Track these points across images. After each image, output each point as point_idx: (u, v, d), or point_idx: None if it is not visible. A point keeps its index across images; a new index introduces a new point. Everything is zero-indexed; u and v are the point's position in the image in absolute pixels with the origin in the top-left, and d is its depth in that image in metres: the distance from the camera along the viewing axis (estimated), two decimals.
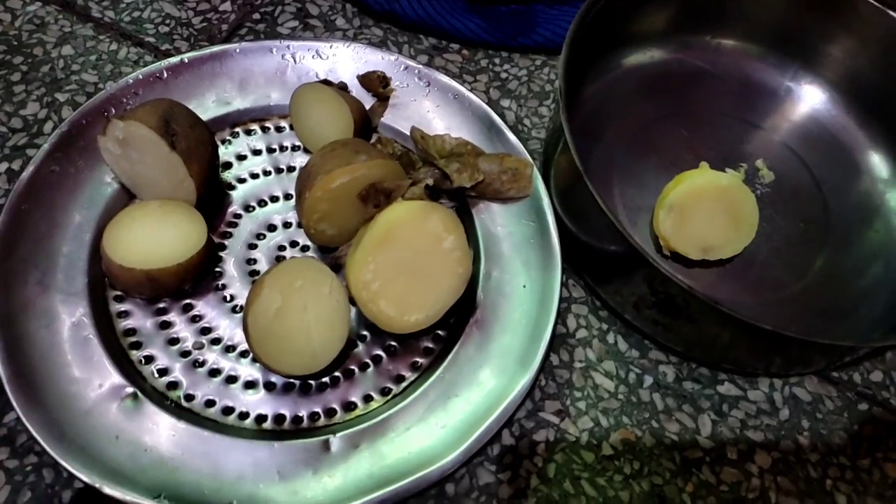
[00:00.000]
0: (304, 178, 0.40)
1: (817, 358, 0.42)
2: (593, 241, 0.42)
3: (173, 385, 0.38)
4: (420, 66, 0.48)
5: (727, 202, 0.44)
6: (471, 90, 0.51)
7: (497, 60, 0.52)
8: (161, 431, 0.36)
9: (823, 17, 0.48)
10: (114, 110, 0.44)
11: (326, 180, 0.39)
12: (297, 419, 0.38)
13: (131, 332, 0.40)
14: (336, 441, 0.37)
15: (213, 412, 0.38)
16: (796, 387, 0.43)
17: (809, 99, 0.51)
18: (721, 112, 0.50)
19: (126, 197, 0.43)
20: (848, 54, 0.49)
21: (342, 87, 0.47)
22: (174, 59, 0.46)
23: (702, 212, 0.44)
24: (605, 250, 0.41)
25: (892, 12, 0.45)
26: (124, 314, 0.40)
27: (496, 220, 0.44)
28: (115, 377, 0.37)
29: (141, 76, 0.45)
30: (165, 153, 0.39)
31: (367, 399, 0.39)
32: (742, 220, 0.44)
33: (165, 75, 0.46)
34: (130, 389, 0.37)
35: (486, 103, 0.50)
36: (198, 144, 0.41)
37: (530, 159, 0.45)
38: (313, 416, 0.39)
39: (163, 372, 0.39)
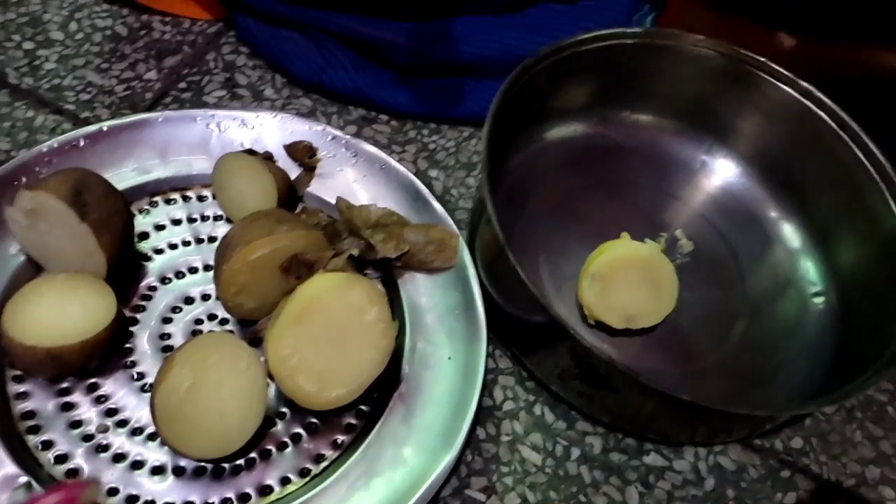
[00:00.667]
0: (223, 249, 0.39)
1: (738, 426, 0.43)
2: (517, 311, 0.42)
3: (73, 472, 0.36)
4: (347, 137, 0.48)
5: (647, 272, 0.45)
6: (399, 160, 0.51)
7: (425, 132, 0.53)
8: None
9: (733, 94, 0.50)
10: (25, 179, 0.43)
11: (246, 251, 0.38)
12: None
13: (29, 415, 0.37)
14: None
15: (114, 502, 0.35)
16: (721, 455, 0.43)
17: (723, 172, 0.53)
18: (641, 184, 0.52)
19: (33, 270, 0.41)
20: (757, 129, 0.51)
21: (267, 157, 0.47)
22: (93, 127, 0.45)
23: (623, 281, 0.45)
24: (529, 321, 0.41)
25: (792, 91, 0.48)
26: (23, 396, 0.38)
27: (421, 290, 0.44)
28: (7, 466, 0.34)
29: (56, 144, 0.44)
30: (75, 224, 0.38)
31: (285, 482, 0.38)
32: (662, 289, 0.45)
33: (82, 143, 0.45)
34: (24, 479, 0.34)
35: (414, 173, 0.51)
36: (110, 215, 0.39)
37: (456, 230, 0.45)
38: (225, 503, 0.36)
39: (62, 458, 0.36)
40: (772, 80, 0.48)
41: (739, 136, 0.52)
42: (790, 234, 0.51)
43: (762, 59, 0.48)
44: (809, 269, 0.50)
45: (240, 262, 0.38)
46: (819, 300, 0.49)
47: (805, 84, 0.48)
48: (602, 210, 0.51)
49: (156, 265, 0.43)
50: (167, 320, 0.42)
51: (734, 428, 0.43)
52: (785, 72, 0.48)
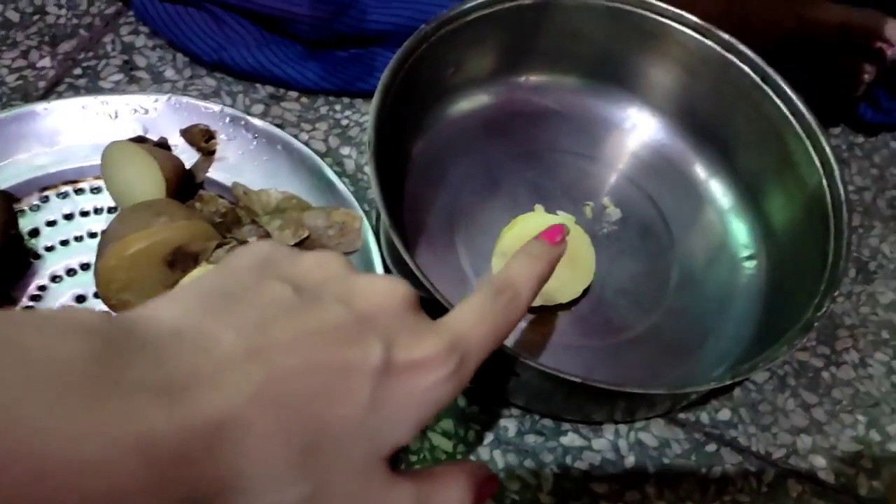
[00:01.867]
0: (100, 246, 0.38)
1: (660, 400, 0.41)
2: (421, 295, 0.40)
3: None
4: (246, 117, 0.46)
5: None
6: (309, 139, 0.49)
7: (338, 107, 0.51)
8: None
9: (650, 50, 0.47)
10: None
11: (119, 247, 0.36)
12: None
13: None
14: None
15: None
16: (642, 431, 0.42)
17: (649, 132, 0.50)
18: (564, 150, 0.50)
19: None
20: (680, 86, 0.48)
21: (162, 144, 0.45)
22: None
23: None
24: (430, 303, 0.39)
25: (713, 44, 0.45)
26: None
27: None
28: None
29: None
30: None
31: None
32: (578, 261, 0.43)
33: None
34: None
35: (325, 152, 0.49)
36: None
37: (361, 212, 0.43)
38: None
39: None
40: (690, 31, 0.45)
41: (662, 93, 0.49)
42: (720, 194, 0.49)
43: (677, 11, 0.45)
44: (741, 231, 0.48)
45: (115, 258, 0.36)
46: (750, 264, 0.47)
47: (726, 36, 0.45)
48: (524, 180, 0.49)
49: (46, 263, 0.42)
50: None
51: (656, 402, 0.41)
52: (702, 23, 0.45)
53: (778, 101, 0.44)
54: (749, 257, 0.47)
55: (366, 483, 0.20)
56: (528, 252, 0.27)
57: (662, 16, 0.45)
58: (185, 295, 0.20)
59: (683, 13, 0.45)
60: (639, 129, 0.51)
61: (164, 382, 0.16)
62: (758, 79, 0.45)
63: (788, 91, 0.44)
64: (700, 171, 0.50)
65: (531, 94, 0.50)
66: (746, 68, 0.45)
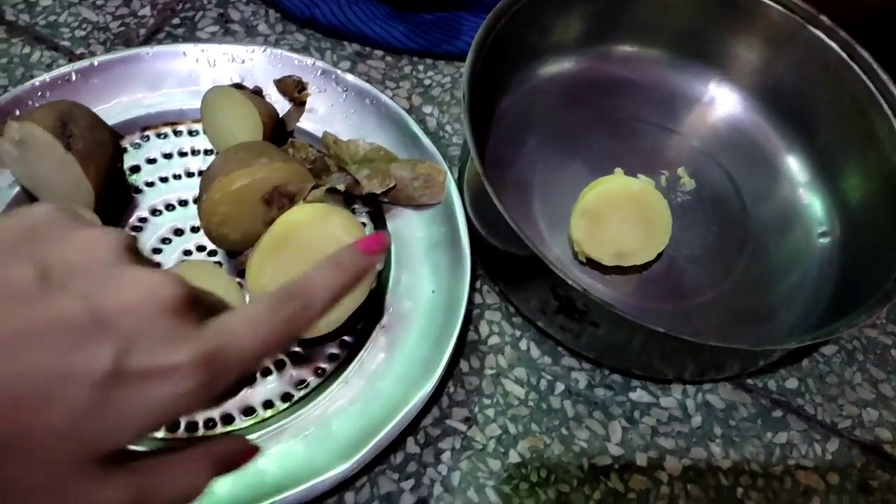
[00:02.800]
0: (205, 181, 0.40)
1: (730, 363, 0.42)
2: (501, 245, 0.41)
3: None
4: (337, 71, 0.47)
5: (640, 208, 0.44)
6: (393, 97, 0.51)
7: (421, 67, 0.52)
8: None
9: (737, 24, 0.48)
10: (18, 112, 0.43)
11: (225, 182, 0.38)
12: (191, 426, 0.37)
13: None
14: None
15: None
16: (710, 394, 0.43)
17: (728, 106, 0.51)
18: (643, 120, 0.50)
19: (28, 200, 0.42)
20: (764, 61, 0.49)
21: (256, 92, 0.47)
22: (83, 62, 0.45)
23: (614, 217, 0.44)
24: (512, 255, 0.40)
25: (800, 19, 0.46)
26: None
27: (408, 225, 0.44)
28: None
29: (48, 79, 0.44)
30: (61, 154, 0.38)
31: (268, 405, 0.38)
32: (655, 225, 0.44)
33: (74, 78, 0.45)
34: None
35: (408, 110, 0.50)
36: (97, 146, 0.40)
37: (445, 166, 0.44)
38: (209, 423, 0.37)
39: None
40: (777, 6, 0.46)
41: (745, 68, 0.50)
42: (797, 169, 0.49)
43: None
44: (815, 206, 0.48)
45: (219, 192, 0.38)
46: (824, 240, 0.47)
47: (814, 11, 0.45)
48: (602, 147, 0.50)
49: (147, 198, 0.44)
50: (157, 251, 0.42)
51: (726, 364, 0.42)
52: None
53: (864, 78, 0.44)
54: (823, 233, 0.47)
55: (71, 483, 0.19)
56: (337, 261, 0.24)
57: None
58: None
59: None
60: (718, 103, 0.51)
61: None
62: (844, 55, 0.45)
63: (875, 67, 0.44)
64: (777, 146, 0.50)
65: (615, 64, 0.51)
66: (833, 44, 0.45)
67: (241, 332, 0.21)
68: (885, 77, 0.44)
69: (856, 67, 0.45)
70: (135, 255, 0.21)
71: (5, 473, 0.18)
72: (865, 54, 0.44)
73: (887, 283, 0.38)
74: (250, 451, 0.24)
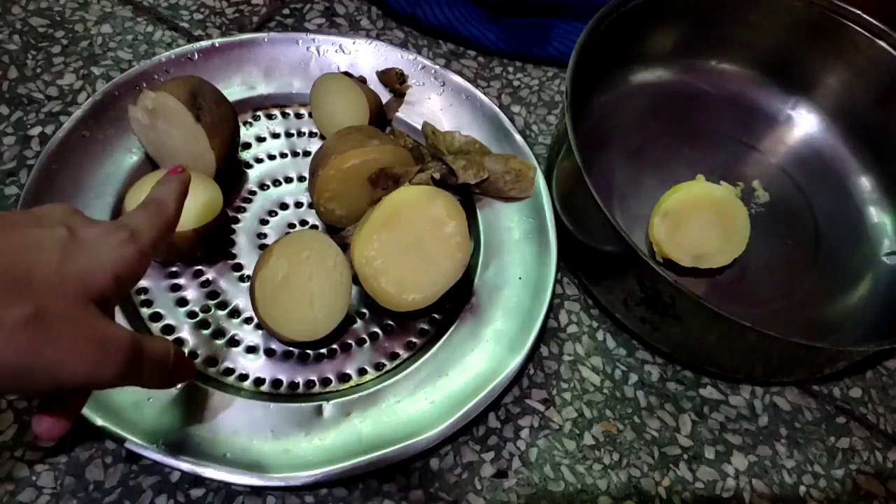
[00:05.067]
0: (319, 158, 0.43)
1: (798, 368, 0.44)
2: (589, 240, 0.44)
3: (178, 342, 0.40)
4: (436, 67, 0.50)
5: (720, 213, 0.46)
6: (483, 94, 0.53)
7: (511, 69, 0.55)
8: None
9: (822, 47, 0.50)
10: (145, 85, 0.47)
11: (340, 160, 0.41)
12: (293, 385, 0.40)
13: (143, 290, 0.42)
14: (329, 407, 0.39)
15: (213, 371, 0.40)
16: (777, 396, 0.45)
17: (806, 125, 0.53)
18: (721, 133, 0.53)
19: (149, 167, 0.45)
20: (845, 84, 0.51)
21: (362, 81, 0.50)
22: (206, 43, 0.49)
23: (695, 220, 0.46)
24: (600, 249, 0.43)
25: (885, 44, 0.48)
26: None
27: (497, 215, 0.46)
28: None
29: (173, 56, 0.48)
30: (191, 125, 0.42)
31: (362, 372, 0.41)
32: (734, 231, 0.46)
33: (196, 57, 0.48)
34: None
35: (498, 108, 0.53)
36: (221, 121, 0.43)
37: (535, 162, 0.47)
38: (309, 384, 0.40)
39: (169, 329, 0.41)
40: (865, 33, 0.48)
41: (826, 90, 0.52)
42: (868, 189, 0.51)
43: (856, 11, 0.47)
44: (885, 225, 0.50)
45: (334, 168, 0.41)
46: (892, 258, 0.49)
47: None
48: (680, 156, 0.52)
49: (255, 173, 0.47)
50: (264, 222, 0.45)
51: (794, 368, 0.44)
52: (879, 24, 0.47)
53: None
54: (892, 252, 0.49)
55: (84, 312, 0.26)
56: (163, 180, 0.34)
57: (840, 14, 0.48)
58: None
59: (862, 14, 0.47)
60: (795, 122, 0.53)
61: None
62: None
63: None
64: (851, 166, 0.52)
65: (701, 77, 0.53)
66: None
67: (133, 215, 0.31)
68: None
69: None
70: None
71: (32, 299, 0.25)
72: None
73: None
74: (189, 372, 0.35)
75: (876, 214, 0.51)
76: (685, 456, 0.42)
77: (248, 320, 0.42)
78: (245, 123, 0.49)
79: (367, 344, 0.42)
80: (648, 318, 0.42)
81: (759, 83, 0.53)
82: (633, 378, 0.44)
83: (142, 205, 0.32)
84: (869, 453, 0.43)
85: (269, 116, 0.49)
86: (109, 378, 0.27)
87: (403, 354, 0.42)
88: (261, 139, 0.49)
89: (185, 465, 0.35)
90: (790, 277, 0.48)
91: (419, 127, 0.49)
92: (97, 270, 0.27)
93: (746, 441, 0.43)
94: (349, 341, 0.42)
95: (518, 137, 0.48)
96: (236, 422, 0.37)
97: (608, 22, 0.46)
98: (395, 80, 0.50)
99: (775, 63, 0.52)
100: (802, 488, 0.42)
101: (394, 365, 0.42)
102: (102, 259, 0.27)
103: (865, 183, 0.51)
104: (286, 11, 0.55)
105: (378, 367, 0.41)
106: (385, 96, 0.50)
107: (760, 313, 0.47)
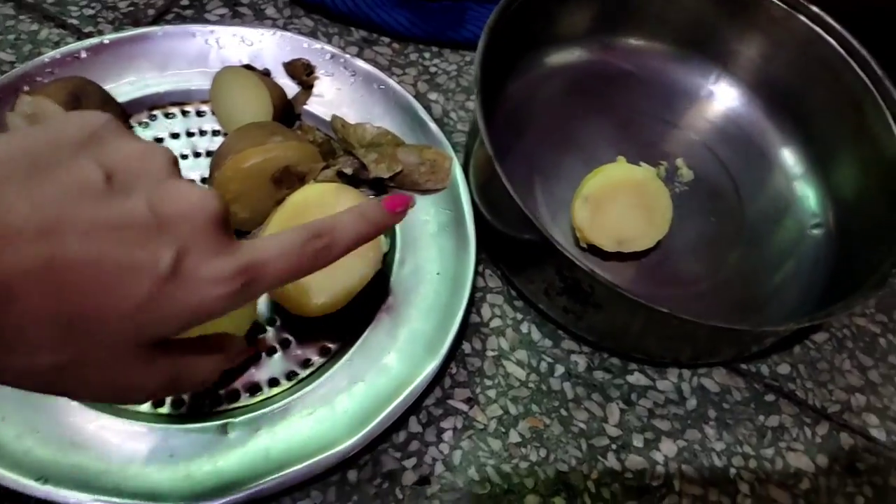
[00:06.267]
0: (217, 158, 0.40)
1: (725, 348, 0.43)
2: (507, 229, 0.42)
3: None
4: (346, 56, 0.48)
5: (641, 195, 0.45)
6: (399, 83, 0.51)
7: (427, 55, 0.53)
8: (50, 414, 0.35)
9: (739, 21, 0.49)
10: (27, 88, 0.43)
11: (237, 160, 0.39)
12: (196, 403, 0.38)
13: None
14: (236, 425, 0.36)
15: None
16: (704, 378, 0.44)
17: (727, 99, 0.52)
18: (643, 112, 0.51)
19: None
20: (763, 56, 0.50)
21: (265, 74, 0.47)
22: (94, 40, 0.45)
23: (616, 204, 0.45)
24: (518, 239, 0.41)
25: (800, 16, 0.47)
26: None
27: (413, 208, 0.44)
28: None
29: (58, 55, 0.45)
30: None
31: (273, 383, 0.39)
32: (656, 213, 0.45)
33: (84, 55, 0.45)
34: None
35: (414, 96, 0.50)
36: None
37: (452, 152, 0.45)
38: (214, 401, 0.38)
39: None
40: (781, 5, 0.47)
41: (744, 62, 0.51)
42: (792, 162, 0.51)
43: None
44: (810, 198, 0.50)
45: (231, 169, 0.39)
46: (818, 231, 0.49)
47: (814, 9, 0.46)
48: (602, 137, 0.51)
49: None
50: None
51: (721, 349, 0.43)
52: None
53: (861, 73, 0.46)
54: (817, 225, 0.49)
55: (121, 363, 0.22)
56: (363, 212, 0.27)
57: None
58: None
59: None
60: (717, 97, 0.52)
61: None
62: (842, 50, 0.46)
63: (872, 63, 0.45)
64: (774, 139, 0.51)
65: (618, 56, 0.52)
66: (830, 39, 0.46)
67: (273, 254, 0.23)
68: (880, 72, 0.45)
69: (852, 62, 0.46)
70: (179, 170, 0.23)
71: (74, 348, 0.20)
72: (862, 49, 0.46)
73: (879, 272, 0.40)
74: (249, 350, 0.32)
75: (800, 188, 0.50)
76: (613, 446, 0.41)
77: None
78: (141, 124, 0.46)
79: (279, 353, 0.40)
80: (571, 308, 0.41)
81: (679, 59, 0.52)
82: (560, 370, 0.43)
83: (303, 233, 0.24)
84: (798, 430, 0.43)
85: (168, 115, 0.46)
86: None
87: (317, 361, 0.40)
88: (159, 140, 0.46)
89: (72, 501, 0.32)
90: (716, 256, 0.47)
91: (329, 120, 0.47)
92: (171, 322, 0.22)
93: (675, 426, 0.42)
94: (259, 351, 0.40)
95: (433, 126, 0.46)
96: (131, 449, 0.35)
97: (520, 2, 0.44)
98: (301, 72, 0.47)
99: (694, 38, 0.51)
100: (732, 470, 0.41)
101: (307, 373, 0.40)
102: (185, 312, 0.21)
103: (788, 156, 0.51)
104: (185, 2, 0.52)
105: (290, 376, 0.39)
106: (293, 89, 0.47)
107: (687, 294, 0.46)
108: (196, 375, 0.25)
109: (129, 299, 0.20)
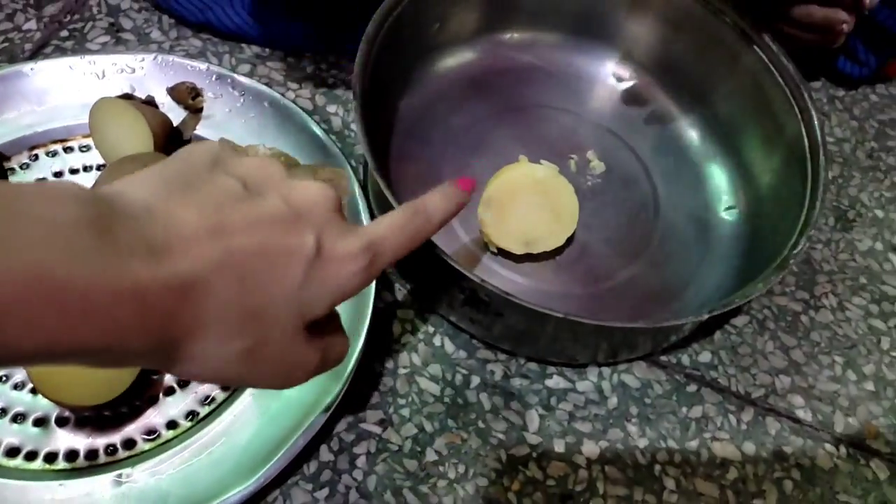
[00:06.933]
0: None
1: (642, 341, 0.42)
2: None
3: None
4: (233, 75, 0.46)
5: (545, 193, 0.44)
6: (296, 98, 0.50)
7: (324, 66, 0.51)
8: None
9: (634, 4, 0.48)
10: None
11: None
12: (91, 454, 0.36)
13: None
14: (132, 473, 0.35)
15: None
16: (625, 374, 0.43)
17: (630, 84, 0.51)
18: (547, 105, 0.50)
19: None
20: (661, 41, 0.49)
21: (149, 101, 0.45)
22: None
23: (520, 205, 0.43)
24: (416, 251, 0.40)
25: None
26: None
27: None
28: None
29: None
30: None
31: (172, 425, 0.37)
32: (562, 211, 0.44)
33: None
34: None
35: (312, 110, 0.49)
36: None
37: (348, 167, 0.44)
38: (110, 449, 0.36)
39: None
40: None
41: (644, 48, 0.50)
42: (701, 146, 0.50)
43: None
44: (721, 182, 0.49)
45: None
46: (730, 214, 0.48)
47: None
48: (509, 136, 0.49)
49: None
50: None
51: (637, 343, 0.42)
52: None
53: (758, 51, 0.45)
54: (729, 207, 0.48)
55: (291, 342, 0.25)
56: (443, 191, 0.31)
57: None
58: (150, 178, 0.23)
59: None
60: (619, 83, 0.51)
61: (146, 249, 0.20)
62: (738, 31, 0.45)
63: (768, 41, 0.45)
64: (680, 122, 0.51)
65: (515, 51, 0.51)
66: (728, 21, 0.46)
67: (387, 232, 0.27)
68: (776, 50, 0.44)
69: (748, 42, 0.45)
70: (292, 172, 0.26)
71: (257, 332, 0.23)
72: (757, 30, 0.45)
73: (784, 252, 0.39)
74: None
75: (710, 170, 0.49)
76: (534, 454, 0.40)
77: (35, 390, 0.37)
78: (22, 166, 0.44)
79: (178, 392, 0.38)
80: (476, 318, 0.40)
81: (577, 48, 0.51)
82: (476, 381, 0.42)
83: (406, 211, 0.28)
84: (722, 418, 0.42)
85: (50, 154, 0.44)
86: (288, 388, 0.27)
87: (219, 397, 0.38)
88: (41, 181, 0.44)
89: None
90: (631, 247, 0.47)
91: None
92: (323, 300, 0.25)
93: (596, 427, 0.41)
94: (155, 393, 0.38)
95: (328, 142, 0.45)
96: None
97: (399, 11, 0.43)
98: (186, 96, 0.46)
99: (589, 25, 0.50)
100: (657, 467, 0.40)
101: (208, 411, 0.38)
102: (332, 289, 0.25)
103: (697, 139, 0.50)
104: (64, 34, 0.50)
105: (190, 416, 0.38)
106: (182, 114, 0.46)
107: (603, 289, 0.45)
108: (338, 352, 0.28)
109: (291, 280, 0.23)
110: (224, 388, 0.39)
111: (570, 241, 0.45)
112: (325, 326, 0.27)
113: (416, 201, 0.29)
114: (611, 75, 0.52)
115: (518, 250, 0.44)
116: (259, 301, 0.23)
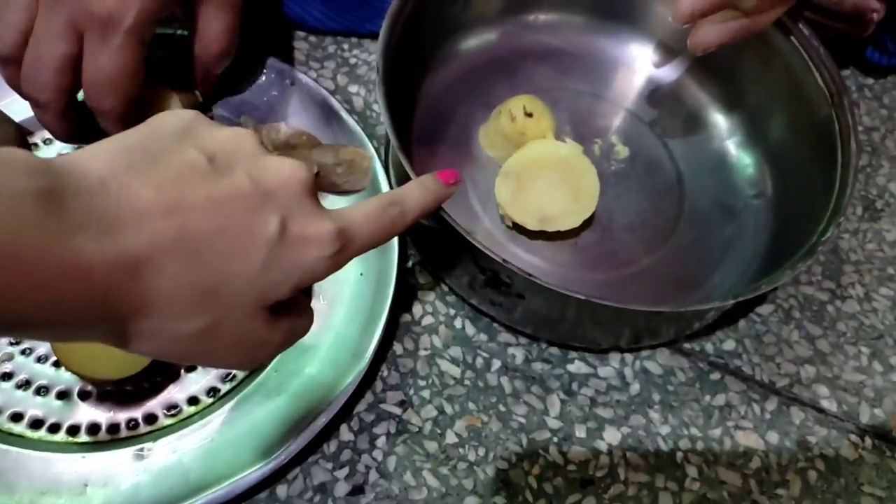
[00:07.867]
0: None
1: (666, 328, 0.42)
2: (428, 223, 0.40)
3: None
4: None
5: (566, 172, 0.43)
6: (317, 77, 0.49)
7: (346, 46, 0.51)
8: None
9: None
10: None
11: None
12: (113, 428, 0.36)
13: None
14: (153, 448, 0.35)
15: (19, 427, 0.35)
16: (647, 360, 0.43)
17: (657, 70, 0.51)
18: (573, 88, 0.50)
19: None
20: None
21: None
22: None
23: (540, 181, 0.43)
24: (438, 232, 0.40)
25: None
26: None
27: (334, 206, 0.43)
28: None
29: None
30: None
31: (193, 401, 0.37)
32: (582, 191, 0.43)
33: None
34: None
35: (334, 90, 0.49)
36: None
37: (371, 149, 0.43)
38: (132, 424, 0.36)
39: None
40: None
41: (670, 30, 0.49)
42: (728, 131, 0.49)
43: None
44: (748, 168, 0.48)
45: None
46: (757, 201, 0.47)
47: None
48: None
49: None
50: None
51: (660, 330, 0.42)
52: None
53: (789, 34, 0.44)
54: (756, 195, 0.47)
55: (251, 322, 0.24)
56: (423, 183, 0.30)
57: None
58: (112, 148, 0.22)
59: None
60: (645, 65, 0.51)
61: (95, 224, 0.20)
62: None
63: (799, 24, 0.44)
64: (708, 107, 0.50)
65: (539, 33, 0.50)
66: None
67: (361, 219, 0.26)
68: (806, 32, 0.44)
69: (778, 23, 0.44)
70: (266, 148, 0.26)
71: (214, 312, 0.23)
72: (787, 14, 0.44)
73: (812, 239, 0.38)
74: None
75: (738, 156, 0.49)
76: (555, 439, 0.39)
77: (58, 363, 0.37)
78: (45, 142, 0.44)
79: (198, 369, 0.38)
80: (497, 301, 0.39)
81: (602, 30, 0.50)
82: (496, 364, 0.41)
83: (382, 201, 0.28)
84: (746, 407, 0.42)
85: None
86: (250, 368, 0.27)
87: (240, 374, 0.38)
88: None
89: None
90: (655, 233, 0.46)
91: (241, 122, 0.45)
92: (286, 283, 0.24)
93: (618, 413, 0.41)
94: (177, 369, 0.38)
95: (351, 122, 0.44)
96: (42, 481, 0.33)
97: None
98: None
99: (614, 8, 0.49)
100: (679, 454, 0.40)
101: (229, 388, 0.38)
102: (296, 273, 0.24)
103: (724, 123, 0.49)
104: None
105: (211, 392, 0.38)
106: None
107: (627, 274, 0.45)
108: (300, 332, 0.28)
109: (251, 263, 0.23)
110: None
111: (589, 224, 0.44)
112: (290, 307, 0.26)
113: (394, 191, 0.29)
114: (636, 58, 0.51)
115: (532, 226, 0.43)
116: (215, 281, 0.22)
